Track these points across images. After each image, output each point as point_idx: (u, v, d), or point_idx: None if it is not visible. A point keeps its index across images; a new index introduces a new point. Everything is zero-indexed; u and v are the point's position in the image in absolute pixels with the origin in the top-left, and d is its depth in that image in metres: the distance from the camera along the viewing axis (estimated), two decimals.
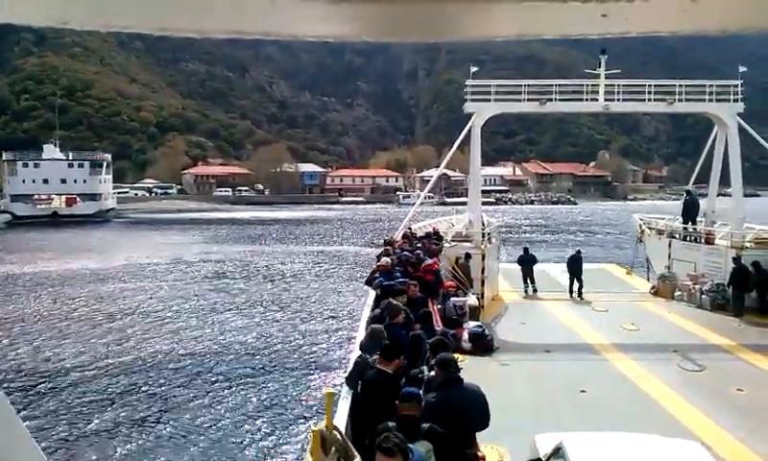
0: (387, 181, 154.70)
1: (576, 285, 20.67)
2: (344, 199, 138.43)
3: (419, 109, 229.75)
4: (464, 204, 31.85)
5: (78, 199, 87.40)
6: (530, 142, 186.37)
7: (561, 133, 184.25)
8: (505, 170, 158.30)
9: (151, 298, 31.13)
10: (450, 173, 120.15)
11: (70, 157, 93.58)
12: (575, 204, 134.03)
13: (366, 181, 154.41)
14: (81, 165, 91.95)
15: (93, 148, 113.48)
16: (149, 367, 19.82)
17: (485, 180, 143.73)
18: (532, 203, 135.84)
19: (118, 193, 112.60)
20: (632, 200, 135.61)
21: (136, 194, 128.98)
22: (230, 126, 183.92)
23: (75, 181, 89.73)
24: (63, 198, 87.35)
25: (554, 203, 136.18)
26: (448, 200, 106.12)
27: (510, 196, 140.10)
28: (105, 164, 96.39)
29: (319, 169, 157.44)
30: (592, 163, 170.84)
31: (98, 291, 32.77)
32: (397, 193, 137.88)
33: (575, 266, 20.92)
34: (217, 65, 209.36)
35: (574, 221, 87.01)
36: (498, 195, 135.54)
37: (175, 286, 34.56)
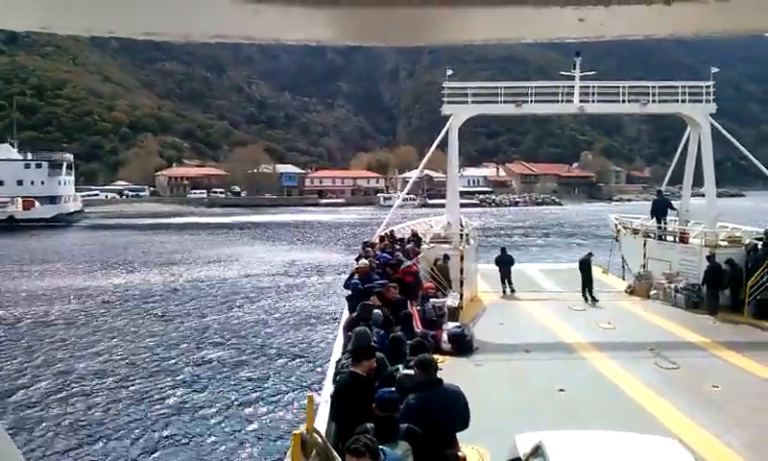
0: (368, 182, 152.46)
1: (589, 288, 20.56)
2: (323, 201, 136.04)
3: (400, 109, 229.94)
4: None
5: (36, 202, 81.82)
6: (512, 143, 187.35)
7: (543, 134, 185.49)
8: (488, 171, 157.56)
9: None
10: (433, 174, 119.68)
11: (28, 158, 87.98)
12: (560, 205, 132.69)
13: (346, 182, 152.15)
14: (39, 166, 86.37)
15: (62, 149, 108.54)
16: (117, 373, 19.53)
17: (468, 180, 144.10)
18: (516, 204, 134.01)
19: (87, 195, 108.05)
20: (617, 201, 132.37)
21: (106, 196, 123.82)
22: (207, 126, 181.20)
23: (32, 183, 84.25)
24: (20, 201, 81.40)
25: (539, 204, 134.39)
26: (431, 201, 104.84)
27: (494, 197, 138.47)
28: (65, 165, 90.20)
29: (297, 170, 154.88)
30: (575, 164, 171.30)
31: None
32: (379, 195, 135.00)
33: (585, 268, 20.96)
34: (195, 65, 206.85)
35: (570, 223, 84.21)
36: (482, 196, 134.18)
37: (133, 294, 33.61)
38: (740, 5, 3.21)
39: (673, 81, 21.95)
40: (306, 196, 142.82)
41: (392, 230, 20.56)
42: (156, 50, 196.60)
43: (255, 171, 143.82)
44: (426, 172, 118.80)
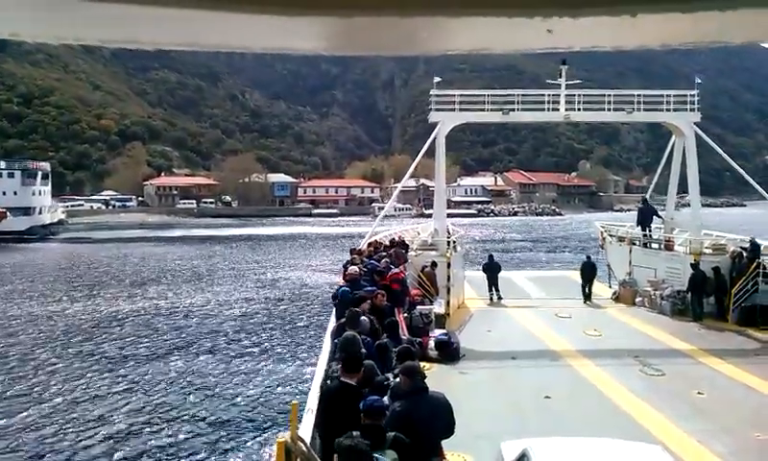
0: (362, 191, 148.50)
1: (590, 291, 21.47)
2: (316, 211, 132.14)
3: (396, 118, 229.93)
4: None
5: (8, 213, 77.18)
6: (509, 151, 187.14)
7: (540, 143, 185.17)
8: (486, 180, 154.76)
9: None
10: (429, 183, 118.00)
11: (1, 166, 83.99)
12: (561, 215, 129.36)
13: (340, 191, 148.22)
14: (11, 175, 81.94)
15: (48, 157, 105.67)
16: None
17: (466, 190, 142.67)
18: (515, 214, 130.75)
19: (71, 206, 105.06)
20: (618, 210, 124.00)
21: (91, 207, 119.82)
22: (199, 135, 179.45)
23: (4, 194, 79.92)
24: None
25: (539, 214, 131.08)
26: (427, 211, 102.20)
27: (492, 207, 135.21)
28: (40, 174, 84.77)
29: (290, 179, 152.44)
30: (573, 173, 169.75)
31: None
32: (373, 205, 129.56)
33: (588, 272, 21.50)
34: (188, 74, 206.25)
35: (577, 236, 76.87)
36: (480, 206, 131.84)
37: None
38: (706, 18, 3.29)
39: (669, 89, 21.82)
40: (299, 207, 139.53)
41: (381, 238, 20.59)
42: (149, 59, 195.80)
43: (247, 180, 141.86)
44: (422, 181, 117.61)
